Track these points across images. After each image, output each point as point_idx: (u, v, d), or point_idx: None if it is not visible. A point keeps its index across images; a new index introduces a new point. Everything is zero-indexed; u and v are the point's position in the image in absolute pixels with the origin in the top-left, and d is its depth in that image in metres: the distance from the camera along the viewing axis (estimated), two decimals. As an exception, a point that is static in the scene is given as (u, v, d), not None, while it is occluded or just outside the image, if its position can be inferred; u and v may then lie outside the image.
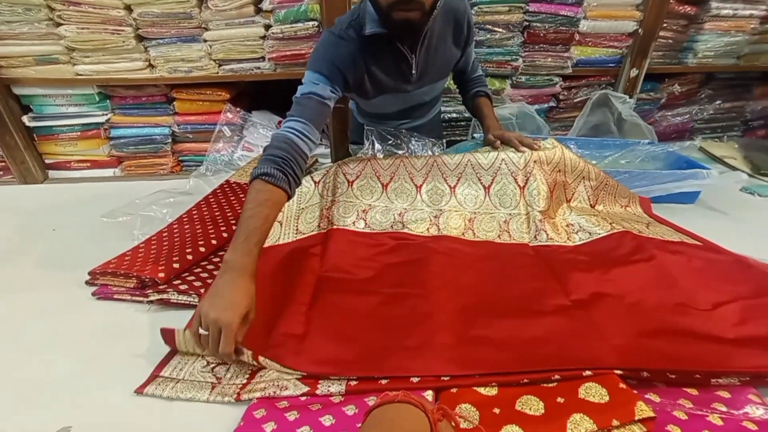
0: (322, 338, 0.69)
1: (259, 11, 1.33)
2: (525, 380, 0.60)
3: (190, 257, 0.89)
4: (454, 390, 0.59)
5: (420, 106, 1.16)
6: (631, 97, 1.50)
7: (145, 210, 1.10)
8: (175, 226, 1.02)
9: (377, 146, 1.13)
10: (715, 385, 0.60)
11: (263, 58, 1.39)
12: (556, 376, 0.59)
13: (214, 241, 0.95)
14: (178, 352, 0.67)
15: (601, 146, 1.29)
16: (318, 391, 0.59)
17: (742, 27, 1.52)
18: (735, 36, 1.53)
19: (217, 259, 0.91)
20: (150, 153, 1.49)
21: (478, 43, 1.41)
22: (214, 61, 1.38)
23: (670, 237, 0.94)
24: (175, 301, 0.78)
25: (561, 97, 1.58)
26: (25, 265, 0.94)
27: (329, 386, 0.60)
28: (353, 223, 0.98)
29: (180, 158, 1.54)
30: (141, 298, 0.80)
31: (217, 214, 1.08)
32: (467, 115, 1.38)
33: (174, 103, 1.44)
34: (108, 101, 1.43)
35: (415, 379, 0.61)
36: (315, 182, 1.02)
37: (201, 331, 0.60)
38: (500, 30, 1.41)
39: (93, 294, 0.82)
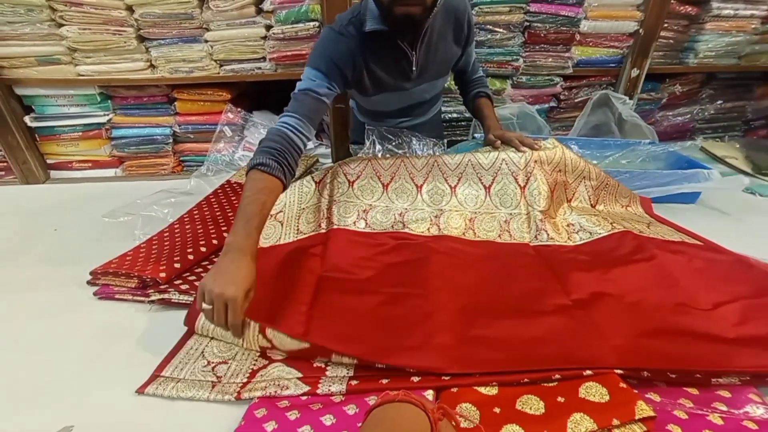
0: (323, 338, 0.69)
1: (260, 12, 1.34)
2: (525, 380, 0.60)
3: (191, 257, 0.89)
4: (454, 389, 0.59)
5: (420, 104, 1.16)
6: (631, 98, 1.51)
7: (147, 210, 1.11)
8: (176, 226, 1.02)
9: (378, 146, 1.13)
10: (715, 384, 0.60)
11: (264, 58, 1.39)
12: (557, 376, 0.59)
13: (215, 241, 0.96)
14: (179, 355, 0.67)
15: (602, 146, 1.29)
16: (319, 391, 0.59)
17: (743, 27, 1.52)
18: (736, 36, 1.53)
19: (217, 259, 0.91)
20: (151, 153, 1.49)
21: (478, 44, 1.41)
22: (215, 61, 1.38)
23: (670, 237, 0.94)
24: (176, 301, 0.79)
25: (562, 97, 1.58)
26: (26, 264, 0.95)
27: (330, 386, 0.60)
28: (354, 223, 0.98)
29: (181, 158, 1.54)
30: (142, 298, 0.80)
31: (218, 213, 1.08)
32: (468, 115, 1.38)
33: (175, 103, 1.45)
34: (109, 101, 1.43)
35: (415, 379, 0.61)
36: (316, 182, 1.02)
37: (205, 306, 0.62)
38: (501, 30, 1.41)
39: (94, 294, 0.82)
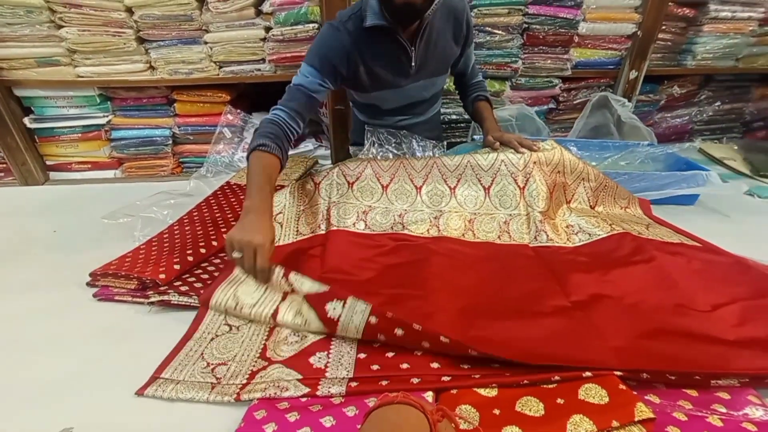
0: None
1: (259, 13, 1.34)
2: (525, 381, 0.59)
3: (190, 258, 0.89)
4: (454, 391, 0.59)
5: (419, 102, 1.16)
6: (630, 100, 1.51)
7: (146, 211, 1.11)
8: (175, 228, 1.02)
9: (377, 148, 1.13)
10: (714, 386, 0.60)
11: (263, 60, 1.39)
12: (556, 377, 0.59)
13: (214, 243, 0.95)
14: (178, 356, 0.67)
15: (601, 148, 1.29)
16: (318, 392, 0.59)
17: (741, 29, 1.53)
18: (734, 38, 1.54)
19: (217, 261, 0.91)
20: (150, 154, 1.49)
21: (477, 45, 1.41)
22: (215, 63, 1.38)
23: (669, 238, 0.94)
24: (175, 302, 0.78)
25: (560, 98, 1.59)
26: (25, 266, 0.94)
27: (330, 387, 0.60)
28: (353, 224, 0.98)
29: (180, 160, 1.55)
30: (142, 300, 0.80)
31: (217, 215, 1.08)
32: (467, 116, 1.39)
33: (174, 104, 1.45)
34: (109, 103, 1.43)
35: (415, 380, 0.61)
36: (315, 183, 1.02)
37: (235, 254, 0.69)
38: (500, 32, 1.42)
39: (94, 295, 0.82)
